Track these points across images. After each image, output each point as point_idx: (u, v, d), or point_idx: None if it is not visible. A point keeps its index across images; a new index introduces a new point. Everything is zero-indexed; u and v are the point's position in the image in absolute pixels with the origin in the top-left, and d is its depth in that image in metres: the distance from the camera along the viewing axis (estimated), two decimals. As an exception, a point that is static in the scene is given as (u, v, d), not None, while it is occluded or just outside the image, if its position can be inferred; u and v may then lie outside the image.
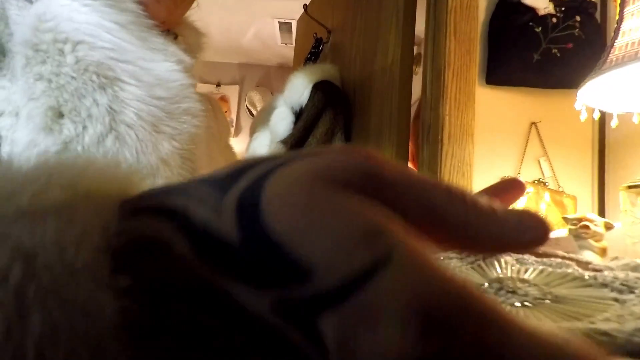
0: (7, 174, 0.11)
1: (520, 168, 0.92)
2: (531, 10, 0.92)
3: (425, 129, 1.00)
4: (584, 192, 0.92)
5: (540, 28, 0.90)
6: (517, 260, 0.20)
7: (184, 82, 0.39)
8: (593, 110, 0.73)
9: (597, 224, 0.62)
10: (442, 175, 0.91)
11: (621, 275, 0.16)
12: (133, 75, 0.35)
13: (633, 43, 0.60)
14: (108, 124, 0.34)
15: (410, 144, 1.28)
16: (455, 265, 0.20)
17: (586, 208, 0.92)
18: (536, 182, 0.91)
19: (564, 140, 0.93)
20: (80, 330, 0.08)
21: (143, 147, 0.34)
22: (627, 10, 0.63)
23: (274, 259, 0.09)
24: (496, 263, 0.20)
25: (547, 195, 0.89)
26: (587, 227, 0.61)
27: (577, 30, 0.90)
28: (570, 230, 0.63)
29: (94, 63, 0.34)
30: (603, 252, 0.62)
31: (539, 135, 0.93)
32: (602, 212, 0.90)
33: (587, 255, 0.61)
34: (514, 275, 0.18)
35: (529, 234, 0.11)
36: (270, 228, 0.09)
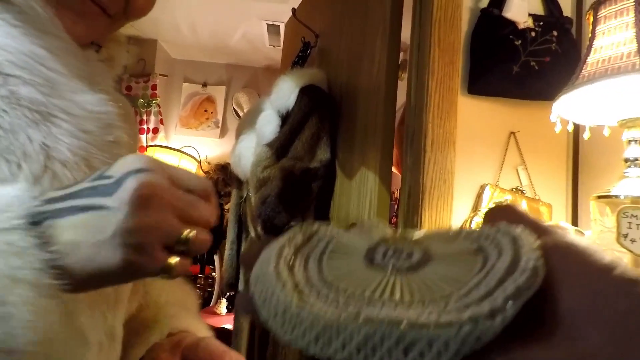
0: None
1: (499, 176, 0.95)
2: (512, 23, 0.95)
3: (409, 136, 1.02)
4: (558, 201, 0.96)
5: (519, 41, 0.94)
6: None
7: (110, 111, 0.37)
8: (567, 122, 0.77)
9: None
10: (425, 182, 0.93)
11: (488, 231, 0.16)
12: (64, 109, 0.33)
13: (604, 60, 0.63)
14: (43, 162, 0.31)
15: (395, 149, 1.31)
16: (331, 232, 0.19)
17: (560, 216, 0.96)
18: (514, 190, 0.94)
19: (540, 150, 0.97)
20: None
21: None
22: (599, 28, 0.66)
23: None
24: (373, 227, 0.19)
25: (524, 203, 0.92)
26: (559, 235, 0.64)
27: (554, 44, 0.93)
28: (543, 237, 0.66)
29: (27, 98, 0.32)
30: (574, 259, 0.64)
31: (517, 144, 0.97)
32: (575, 220, 0.94)
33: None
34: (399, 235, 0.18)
35: None
36: None
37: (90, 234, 0.26)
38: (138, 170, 0.27)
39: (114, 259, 0.26)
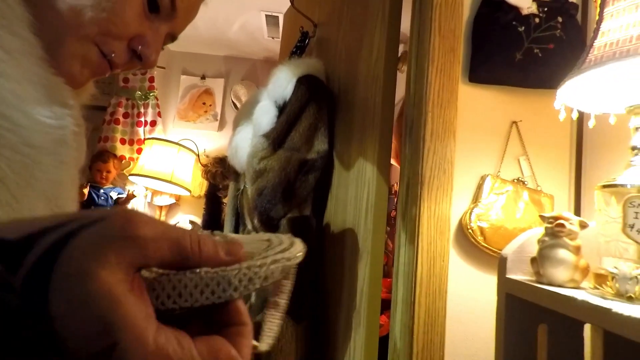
0: None
1: (500, 166, 0.92)
2: (515, 9, 0.92)
3: (408, 126, 0.99)
4: (561, 191, 0.94)
5: (523, 27, 0.91)
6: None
7: (66, 127, 0.33)
8: (572, 110, 0.74)
9: (573, 223, 0.62)
10: (424, 172, 0.91)
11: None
12: (9, 119, 0.29)
13: (612, 43, 0.61)
14: None
15: (394, 142, 1.28)
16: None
17: (563, 207, 0.93)
18: (515, 180, 0.92)
19: (543, 140, 0.94)
20: None
21: (16, 205, 0.28)
22: (607, 11, 0.63)
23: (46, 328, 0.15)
24: None
25: (525, 194, 0.90)
26: (562, 225, 0.62)
27: (559, 31, 0.90)
28: (546, 228, 0.64)
29: None
30: (577, 250, 0.62)
31: (519, 134, 0.94)
32: (578, 211, 0.92)
33: (561, 254, 0.62)
34: None
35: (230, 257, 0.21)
36: (50, 302, 0.16)
37: None
38: None
39: None
